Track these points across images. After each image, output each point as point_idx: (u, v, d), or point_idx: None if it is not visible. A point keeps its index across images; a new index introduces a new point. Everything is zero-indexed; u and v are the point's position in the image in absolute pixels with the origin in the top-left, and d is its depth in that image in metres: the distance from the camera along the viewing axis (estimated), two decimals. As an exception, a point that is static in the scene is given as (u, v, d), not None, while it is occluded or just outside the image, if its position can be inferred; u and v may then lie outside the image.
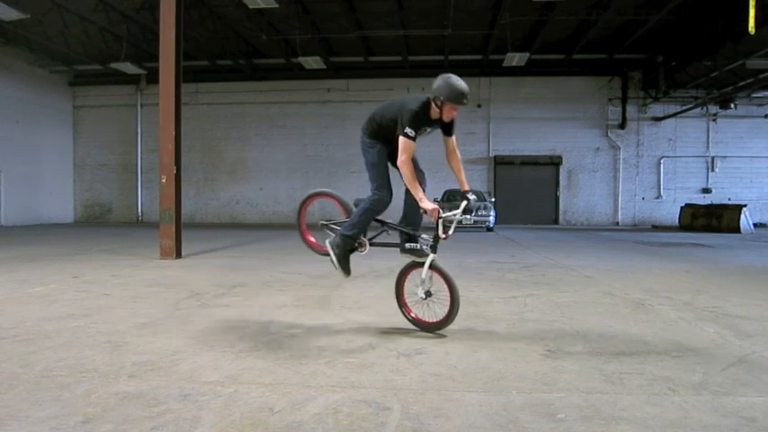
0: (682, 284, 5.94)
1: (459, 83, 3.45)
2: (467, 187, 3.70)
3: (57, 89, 20.92)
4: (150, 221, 20.45)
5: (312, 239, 4.10)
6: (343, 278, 3.90)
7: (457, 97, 3.44)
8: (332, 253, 3.82)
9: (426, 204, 3.45)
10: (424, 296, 3.61)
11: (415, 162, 3.63)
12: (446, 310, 3.55)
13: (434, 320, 3.63)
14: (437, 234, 3.56)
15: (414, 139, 3.48)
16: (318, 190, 4.18)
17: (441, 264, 3.58)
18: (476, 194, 3.82)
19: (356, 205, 3.85)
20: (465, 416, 2.26)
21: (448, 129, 3.72)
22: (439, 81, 3.48)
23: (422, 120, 3.52)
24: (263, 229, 17.12)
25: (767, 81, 16.64)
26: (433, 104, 3.51)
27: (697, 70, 17.25)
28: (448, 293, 3.53)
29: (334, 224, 3.98)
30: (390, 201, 3.71)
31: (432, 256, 3.59)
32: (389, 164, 3.73)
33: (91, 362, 2.96)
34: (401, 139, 3.48)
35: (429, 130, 3.64)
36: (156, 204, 18.42)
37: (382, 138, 3.71)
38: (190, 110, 19.19)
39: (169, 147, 8.36)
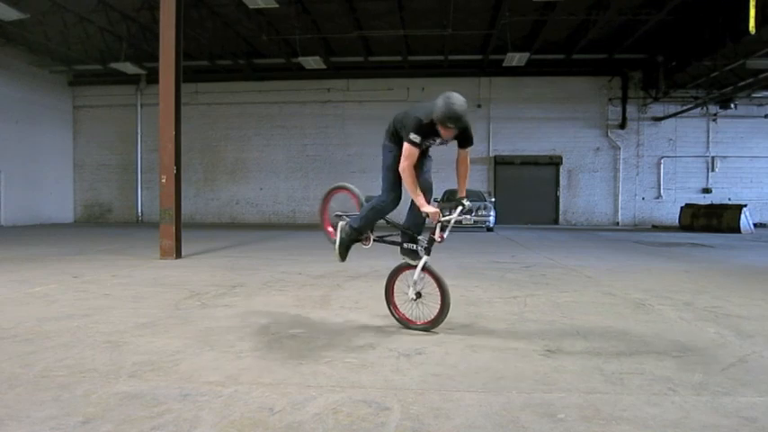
0: (682, 284, 5.94)
1: (454, 106, 3.24)
2: (463, 194, 3.67)
3: (56, 89, 20.92)
4: (150, 221, 20.45)
5: (331, 230, 4.19)
6: (338, 261, 4.09)
7: (443, 120, 3.28)
8: (338, 236, 3.97)
9: (428, 209, 3.49)
10: (414, 297, 3.69)
11: (422, 168, 3.62)
12: (435, 311, 3.64)
13: (422, 321, 3.71)
14: (432, 236, 3.59)
15: (418, 145, 3.40)
16: (339, 184, 4.28)
17: (434, 266, 3.64)
18: (476, 194, 3.86)
19: (366, 201, 3.92)
20: (465, 416, 2.26)
21: (462, 142, 3.58)
22: (438, 99, 3.31)
23: (427, 130, 3.39)
24: (262, 229, 17.12)
25: (767, 81, 16.64)
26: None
27: (697, 70, 17.26)
28: (439, 296, 3.61)
29: (347, 215, 4.10)
30: (396, 205, 3.73)
31: (425, 258, 3.64)
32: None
33: (91, 362, 2.96)
34: (405, 144, 3.43)
35: (439, 140, 3.51)
36: (156, 204, 18.41)
37: (399, 142, 3.61)
38: (190, 110, 19.19)
39: (169, 147, 8.36)
